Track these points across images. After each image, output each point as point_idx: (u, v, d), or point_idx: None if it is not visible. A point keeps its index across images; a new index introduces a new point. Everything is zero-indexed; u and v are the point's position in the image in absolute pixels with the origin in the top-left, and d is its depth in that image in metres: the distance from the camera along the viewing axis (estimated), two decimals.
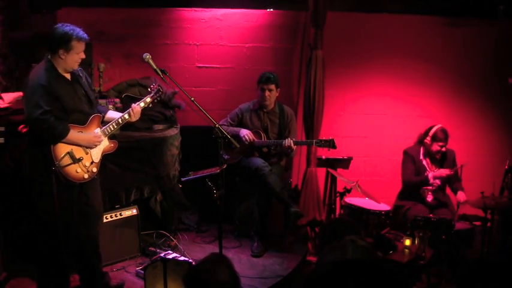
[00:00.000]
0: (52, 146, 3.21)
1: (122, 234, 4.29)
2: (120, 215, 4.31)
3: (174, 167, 4.76)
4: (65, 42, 3.22)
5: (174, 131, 4.79)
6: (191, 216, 5.15)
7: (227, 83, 5.58)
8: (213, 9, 5.47)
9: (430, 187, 4.75)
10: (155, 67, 3.59)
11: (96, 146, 3.44)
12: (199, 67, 5.55)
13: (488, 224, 4.54)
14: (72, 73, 3.40)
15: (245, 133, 4.70)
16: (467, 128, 5.64)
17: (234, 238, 4.86)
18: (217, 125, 3.64)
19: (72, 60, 3.29)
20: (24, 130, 3.97)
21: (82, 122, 3.38)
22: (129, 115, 3.59)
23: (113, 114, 3.63)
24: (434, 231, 4.19)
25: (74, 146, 3.30)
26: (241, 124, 4.89)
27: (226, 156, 4.67)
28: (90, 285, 3.61)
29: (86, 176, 3.38)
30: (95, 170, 3.45)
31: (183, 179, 4.25)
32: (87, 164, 3.38)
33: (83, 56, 3.34)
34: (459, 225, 4.41)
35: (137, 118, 3.63)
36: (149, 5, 5.37)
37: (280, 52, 5.57)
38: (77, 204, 3.44)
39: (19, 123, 3.99)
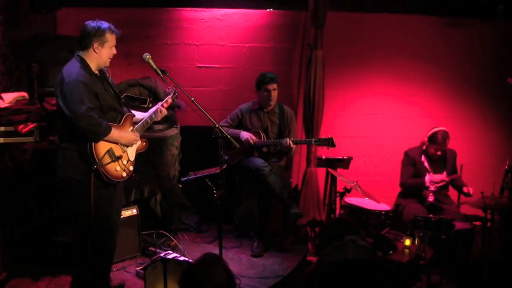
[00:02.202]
0: (93, 144, 3.18)
1: (122, 234, 4.27)
2: (120, 215, 4.30)
3: (174, 167, 4.76)
4: (99, 35, 3.22)
5: (174, 131, 4.79)
6: (191, 216, 5.15)
7: (227, 83, 5.58)
8: (213, 9, 5.47)
9: (431, 188, 4.77)
10: (155, 67, 3.59)
11: (133, 144, 3.46)
12: (199, 67, 5.55)
13: (488, 224, 4.54)
14: (100, 71, 3.38)
15: (246, 136, 4.68)
16: (467, 128, 5.64)
17: (234, 238, 4.86)
18: (217, 125, 3.64)
19: (106, 54, 3.28)
20: (24, 130, 3.97)
21: (117, 120, 3.38)
22: (156, 114, 3.62)
23: (137, 114, 3.64)
24: (434, 231, 4.19)
25: (113, 144, 3.30)
26: (241, 124, 4.89)
27: (226, 157, 4.67)
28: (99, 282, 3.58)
29: (124, 174, 3.37)
30: (131, 168, 3.45)
31: (183, 179, 4.25)
32: (125, 162, 3.38)
33: (114, 51, 3.34)
34: (459, 225, 4.41)
35: (162, 117, 3.68)
36: (149, 5, 5.38)
37: (280, 52, 5.57)
38: (118, 202, 3.49)
39: (19, 123, 4.00)
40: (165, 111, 3.67)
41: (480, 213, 4.61)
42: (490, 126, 5.69)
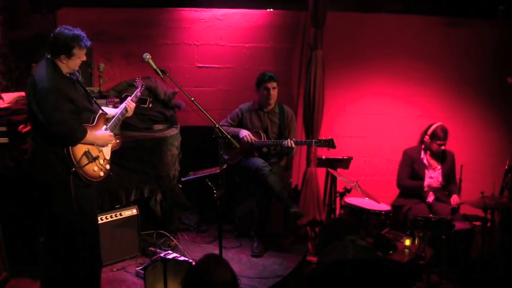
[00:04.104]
0: (70, 148, 3.20)
1: (122, 234, 4.29)
2: (120, 215, 4.31)
3: (174, 167, 4.76)
4: (67, 49, 3.20)
5: (174, 131, 4.79)
6: (191, 216, 5.15)
7: (227, 83, 5.57)
8: (213, 9, 5.46)
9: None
10: (155, 67, 3.59)
11: (108, 144, 3.48)
12: (199, 67, 5.55)
13: (488, 224, 4.55)
14: (70, 73, 3.36)
15: (245, 134, 4.70)
16: (467, 128, 5.64)
17: (234, 238, 4.87)
18: (217, 125, 3.64)
19: (73, 64, 3.29)
20: (25, 130, 3.97)
21: (90, 120, 3.39)
22: (127, 110, 3.64)
23: (108, 110, 3.65)
24: (434, 231, 4.19)
25: (90, 146, 3.32)
26: (241, 124, 4.89)
27: (226, 157, 4.67)
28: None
29: (102, 173, 3.40)
30: (108, 167, 3.48)
31: (183, 179, 4.25)
32: (102, 161, 3.41)
33: (84, 58, 3.33)
34: (459, 225, 4.41)
35: (133, 112, 3.70)
36: (149, 5, 5.37)
37: (280, 52, 5.56)
38: (95, 200, 3.50)
39: (19, 123, 3.99)
40: (133, 106, 3.68)
41: (480, 213, 4.60)
42: (490, 126, 5.68)
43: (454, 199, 4.83)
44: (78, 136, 3.22)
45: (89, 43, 3.28)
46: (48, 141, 3.20)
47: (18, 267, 3.95)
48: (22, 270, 3.94)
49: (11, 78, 4.79)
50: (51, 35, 3.24)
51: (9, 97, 4.18)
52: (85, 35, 3.27)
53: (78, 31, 3.25)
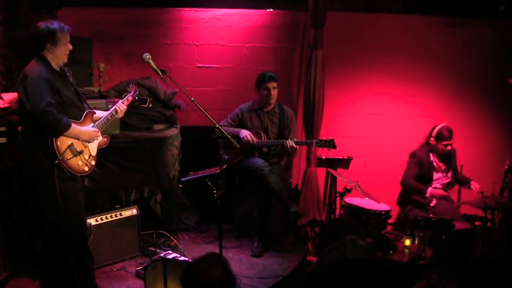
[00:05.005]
0: (54, 140, 3.27)
1: (122, 234, 4.30)
2: (120, 215, 4.32)
3: (174, 167, 4.76)
4: (50, 36, 3.33)
5: (174, 131, 4.79)
6: (191, 216, 5.15)
7: (227, 83, 5.57)
8: (213, 9, 5.46)
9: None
10: (155, 67, 3.60)
11: (94, 140, 3.54)
12: (199, 67, 5.55)
13: (488, 224, 4.55)
14: (61, 70, 3.46)
15: (245, 134, 4.70)
16: (468, 127, 5.63)
17: (234, 238, 4.87)
18: (217, 125, 3.65)
19: (61, 52, 3.38)
20: None
21: (77, 117, 3.47)
22: (117, 112, 3.70)
23: (98, 112, 3.71)
24: (434, 231, 4.19)
25: (74, 140, 3.38)
26: (241, 124, 4.89)
27: (226, 157, 4.67)
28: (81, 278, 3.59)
29: (86, 168, 3.47)
30: (93, 163, 3.54)
31: (183, 179, 4.25)
32: (87, 157, 3.47)
33: (70, 47, 3.43)
34: (459, 225, 4.41)
35: (123, 115, 3.77)
36: (149, 5, 5.37)
37: (280, 52, 5.56)
38: (82, 194, 3.55)
39: (19, 123, 3.99)
40: (124, 108, 3.75)
41: (480, 213, 4.61)
42: (490, 126, 5.68)
43: (476, 186, 4.80)
44: (61, 127, 3.28)
45: (68, 27, 3.41)
46: (34, 133, 3.28)
47: (18, 267, 3.95)
48: (22, 270, 3.94)
49: (11, 78, 4.79)
50: (33, 34, 3.37)
51: (9, 97, 4.18)
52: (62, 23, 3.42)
53: (55, 20, 3.41)
